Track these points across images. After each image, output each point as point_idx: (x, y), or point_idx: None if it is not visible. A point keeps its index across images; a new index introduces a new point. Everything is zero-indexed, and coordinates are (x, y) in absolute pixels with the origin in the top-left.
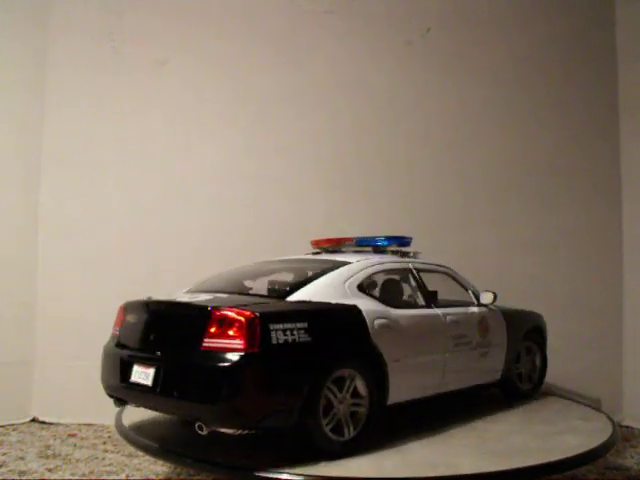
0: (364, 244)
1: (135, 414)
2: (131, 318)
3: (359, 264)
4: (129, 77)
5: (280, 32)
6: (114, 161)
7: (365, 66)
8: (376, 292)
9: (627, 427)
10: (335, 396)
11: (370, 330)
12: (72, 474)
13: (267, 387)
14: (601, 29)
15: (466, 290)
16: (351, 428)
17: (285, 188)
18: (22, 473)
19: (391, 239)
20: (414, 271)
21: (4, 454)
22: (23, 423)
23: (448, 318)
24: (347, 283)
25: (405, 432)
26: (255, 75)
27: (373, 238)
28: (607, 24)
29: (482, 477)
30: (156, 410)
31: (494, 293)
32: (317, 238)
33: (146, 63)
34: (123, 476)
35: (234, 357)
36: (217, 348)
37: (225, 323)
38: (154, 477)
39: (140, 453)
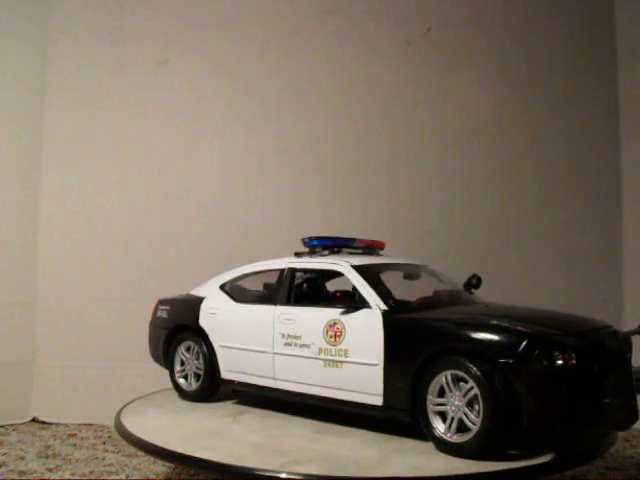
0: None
1: (135, 414)
2: None
3: (239, 268)
4: (129, 76)
5: (281, 32)
6: (114, 161)
7: (365, 66)
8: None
9: None
10: (186, 357)
11: (200, 316)
12: (72, 474)
13: (150, 338)
14: (601, 29)
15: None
16: (193, 383)
17: (286, 188)
18: (22, 473)
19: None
20: (286, 271)
21: (4, 454)
22: (23, 423)
23: (281, 316)
24: (216, 283)
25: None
26: (256, 75)
27: (317, 239)
28: (607, 24)
29: (481, 477)
30: None
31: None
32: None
33: (146, 63)
34: (123, 476)
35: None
36: None
37: None
38: (154, 477)
39: (140, 453)
